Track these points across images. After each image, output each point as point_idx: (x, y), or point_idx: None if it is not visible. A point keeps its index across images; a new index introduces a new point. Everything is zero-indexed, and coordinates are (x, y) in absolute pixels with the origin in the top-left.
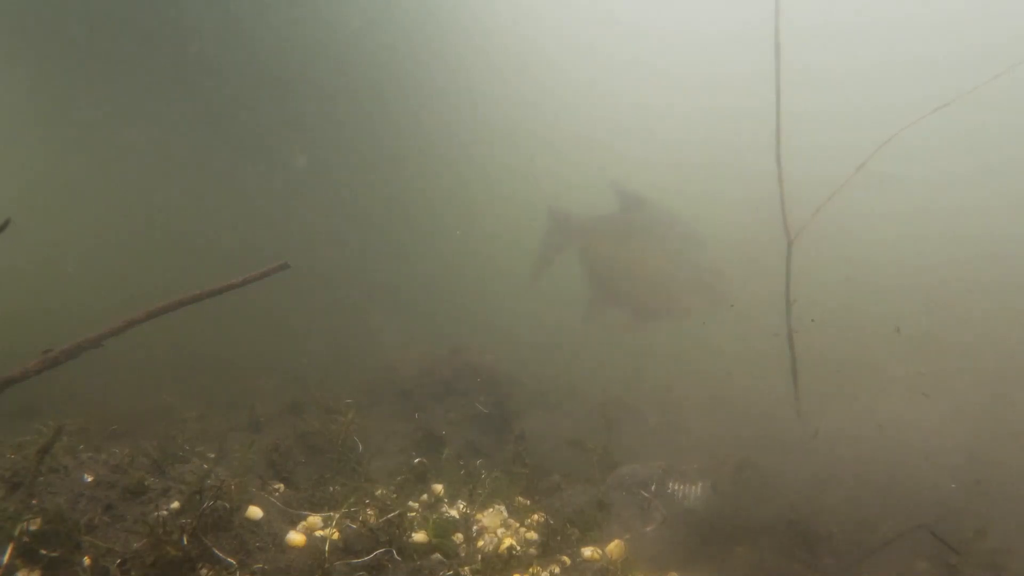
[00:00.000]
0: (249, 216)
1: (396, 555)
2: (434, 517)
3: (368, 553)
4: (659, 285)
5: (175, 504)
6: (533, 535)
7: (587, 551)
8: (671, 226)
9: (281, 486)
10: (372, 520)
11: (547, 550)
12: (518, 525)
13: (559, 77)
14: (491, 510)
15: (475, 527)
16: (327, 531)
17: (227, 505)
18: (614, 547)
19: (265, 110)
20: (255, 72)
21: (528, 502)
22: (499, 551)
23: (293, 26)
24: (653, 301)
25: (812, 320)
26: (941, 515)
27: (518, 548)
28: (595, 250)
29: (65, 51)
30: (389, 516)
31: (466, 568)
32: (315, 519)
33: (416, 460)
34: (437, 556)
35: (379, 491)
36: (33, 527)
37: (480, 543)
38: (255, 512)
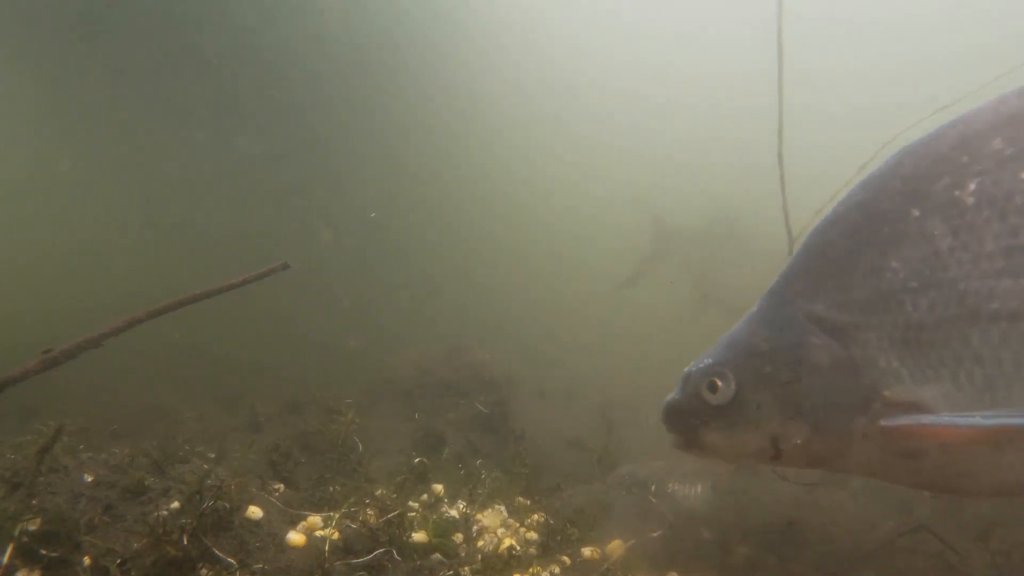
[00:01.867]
0: (249, 215)
1: (396, 555)
2: (434, 517)
3: (368, 553)
4: (747, 287)
5: (175, 504)
6: (533, 535)
7: (587, 551)
8: (752, 237)
9: (281, 486)
10: (372, 520)
11: (547, 550)
12: (518, 525)
13: (559, 76)
14: (491, 510)
15: (475, 527)
16: (327, 531)
17: (227, 505)
18: (614, 547)
19: (265, 109)
20: (255, 71)
21: (528, 502)
22: (499, 551)
23: (293, 25)
24: (741, 300)
25: None
26: (941, 515)
27: (518, 548)
28: (696, 256)
29: (66, 49)
30: (389, 516)
31: (466, 568)
32: (315, 519)
33: (416, 460)
34: (437, 556)
35: (379, 491)
36: (33, 527)
37: (480, 543)
38: (255, 512)
